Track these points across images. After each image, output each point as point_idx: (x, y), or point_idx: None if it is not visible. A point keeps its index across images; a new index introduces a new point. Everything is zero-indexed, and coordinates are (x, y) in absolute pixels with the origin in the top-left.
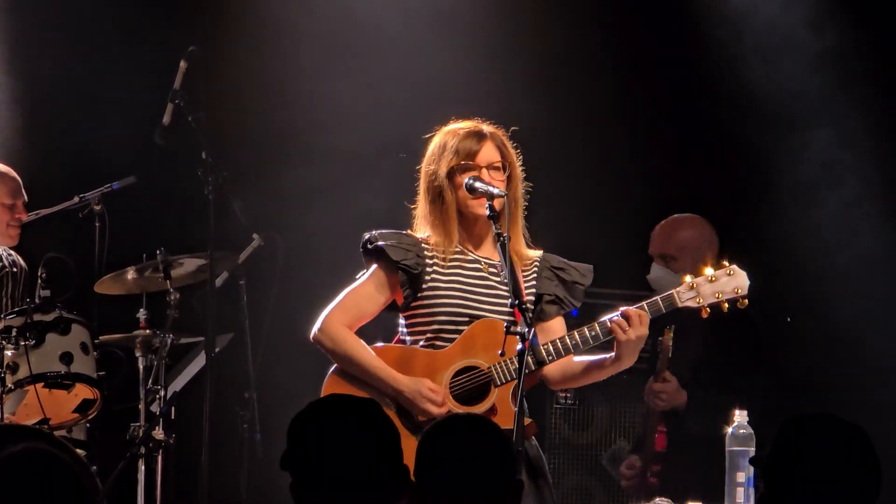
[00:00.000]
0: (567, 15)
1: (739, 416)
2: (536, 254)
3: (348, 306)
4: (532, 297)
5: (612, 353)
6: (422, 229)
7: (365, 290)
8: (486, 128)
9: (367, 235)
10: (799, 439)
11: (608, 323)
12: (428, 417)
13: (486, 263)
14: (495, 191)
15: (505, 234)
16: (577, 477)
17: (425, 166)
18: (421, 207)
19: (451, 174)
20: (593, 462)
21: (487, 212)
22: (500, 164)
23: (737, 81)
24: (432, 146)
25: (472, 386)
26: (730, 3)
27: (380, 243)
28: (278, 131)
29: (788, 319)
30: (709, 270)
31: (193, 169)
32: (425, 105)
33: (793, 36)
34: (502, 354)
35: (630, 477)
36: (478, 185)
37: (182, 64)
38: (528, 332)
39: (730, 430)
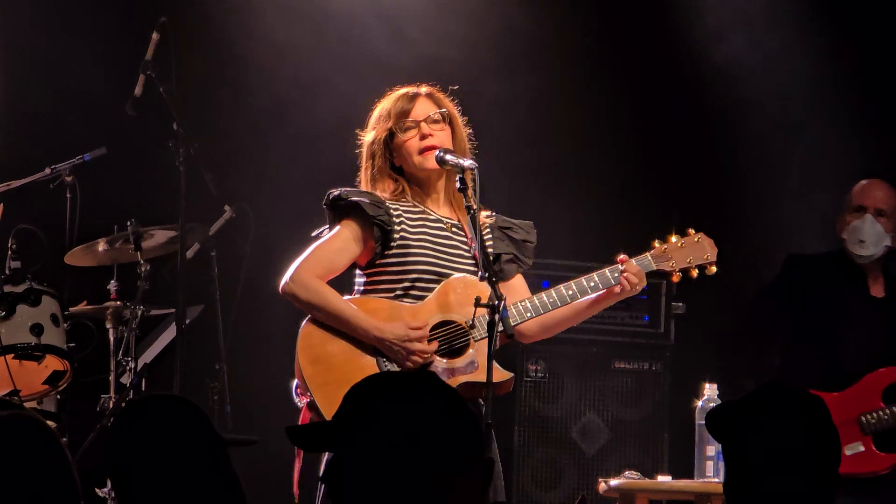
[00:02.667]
0: None
1: (709, 390)
2: (485, 214)
3: (321, 258)
4: (491, 257)
5: (596, 296)
6: None
7: (336, 243)
8: (422, 88)
9: (334, 192)
10: (755, 413)
11: (609, 276)
12: (415, 365)
13: (448, 223)
14: (466, 163)
15: (475, 207)
16: (547, 450)
17: (364, 136)
18: (361, 175)
19: (391, 136)
20: (563, 435)
21: (458, 184)
22: (438, 117)
23: (709, 54)
24: (372, 117)
25: (451, 339)
26: None
27: (354, 198)
28: (250, 102)
29: None
30: (675, 238)
31: (165, 140)
32: (399, 78)
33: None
34: (472, 327)
35: None
36: (448, 157)
37: (154, 35)
38: (499, 305)
39: (699, 403)
